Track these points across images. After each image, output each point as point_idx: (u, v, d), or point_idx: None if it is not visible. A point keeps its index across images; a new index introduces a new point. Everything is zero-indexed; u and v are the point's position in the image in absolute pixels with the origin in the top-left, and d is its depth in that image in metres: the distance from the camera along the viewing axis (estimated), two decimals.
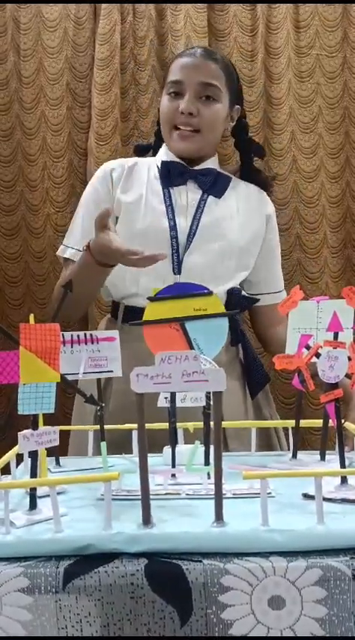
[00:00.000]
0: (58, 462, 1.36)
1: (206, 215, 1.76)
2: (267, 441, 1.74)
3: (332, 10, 2.32)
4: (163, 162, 1.82)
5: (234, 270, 1.78)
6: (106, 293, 1.82)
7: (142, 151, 1.97)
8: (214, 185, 1.81)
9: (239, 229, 1.79)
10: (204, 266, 1.73)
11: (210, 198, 1.79)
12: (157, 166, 1.83)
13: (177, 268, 1.71)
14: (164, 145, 1.86)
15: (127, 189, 1.80)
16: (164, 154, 1.85)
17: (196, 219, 1.75)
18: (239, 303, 1.75)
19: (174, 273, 1.71)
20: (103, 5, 2.23)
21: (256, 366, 1.80)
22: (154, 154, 1.92)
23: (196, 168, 1.81)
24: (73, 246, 1.80)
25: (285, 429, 1.52)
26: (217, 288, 1.67)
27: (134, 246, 1.53)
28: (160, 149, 1.87)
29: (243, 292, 1.82)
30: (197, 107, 1.75)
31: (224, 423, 1.52)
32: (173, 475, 1.18)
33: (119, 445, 1.38)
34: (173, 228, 1.73)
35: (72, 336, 1.31)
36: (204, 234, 1.75)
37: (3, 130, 2.27)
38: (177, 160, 1.81)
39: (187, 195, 1.79)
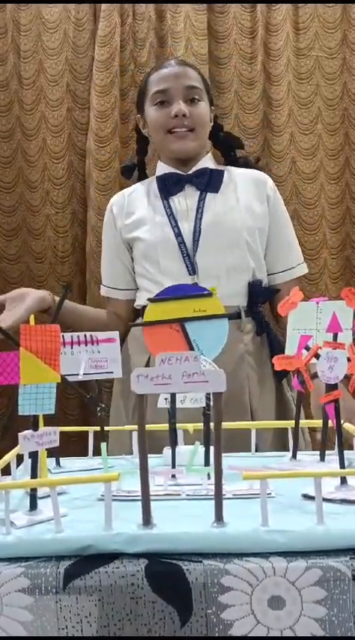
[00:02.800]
0: (58, 463, 1.36)
1: (207, 213, 1.84)
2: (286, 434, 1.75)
3: (332, 12, 2.32)
4: (158, 178, 1.93)
5: (246, 260, 1.84)
6: (138, 299, 1.94)
7: (129, 170, 2.10)
8: (210, 182, 1.89)
9: (242, 218, 1.86)
10: (217, 261, 1.81)
11: (209, 196, 1.87)
12: (156, 181, 1.93)
13: (192, 269, 1.81)
14: (159, 162, 1.97)
15: (132, 212, 1.93)
16: (161, 168, 1.96)
17: (198, 220, 1.84)
18: (261, 294, 1.86)
19: (190, 274, 1.80)
20: (103, 7, 2.24)
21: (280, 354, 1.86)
22: (140, 175, 2.08)
23: (190, 172, 1.91)
24: (103, 283, 2.01)
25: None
26: (237, 281, 1.82)
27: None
28: (157, 166, 1.97)
29: (264, 282, 1.89)
30: (187, 109, 1.86)
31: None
32: (173, 476, 1.18)
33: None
34: (178, 234, 1.83)
35: (72, 337, 1.31)
36: (209, 232, 1.82)
37: (3, 132, 2.28)
38: (172, 170, 1.92)
39: (186, 199, 1.87)
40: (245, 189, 1.91)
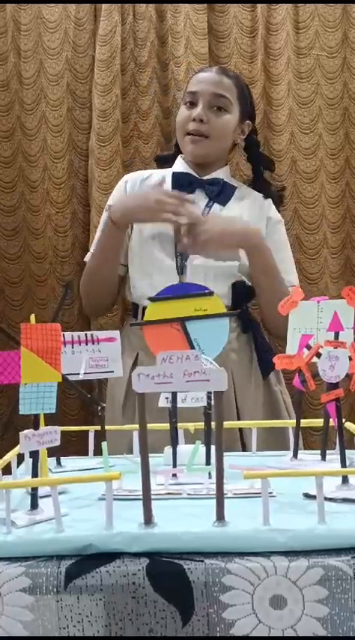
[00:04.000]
0: (59, 463, 1.36)
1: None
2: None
3: (332, 11, 2.32)
4: (175, 174, 1.94)
5: (236, 270, 1.85)
6: (126, 290, 1.93)
7: (162, 161, 2.10)
8: (220, 194, 1.92)
9: None
10: (207, 268, 1.80)
11: (215, 206, 1.90)
12: (171, 175, 1.94)
13: (181, 269, 1.82)
14: (179, 156, 1.98)
15: None
16: (178, 165, 1.97)
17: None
18: (244, 294, 1.88)
19: (179, 274, 1.81)
20: (104, 6, 2.24)
21: (266, 350, 1.89)
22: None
23: (205, 178, 1.92)
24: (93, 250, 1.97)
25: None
26: (223, 285, 1.83)
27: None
28: (176, 160, 1.98)
29: (247, 282, 1.89)
30: (207, 115, 1.87)
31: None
32: (174, 475, 1.18)
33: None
34: (178, 231, 1.79)
35: (72, 336, 1.31)
36: None
37: (3, 131, 2.28)
38: (188, 171, 1.93)
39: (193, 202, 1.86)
40: (250, 210, 1.93)
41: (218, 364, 1.71)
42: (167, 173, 1.98)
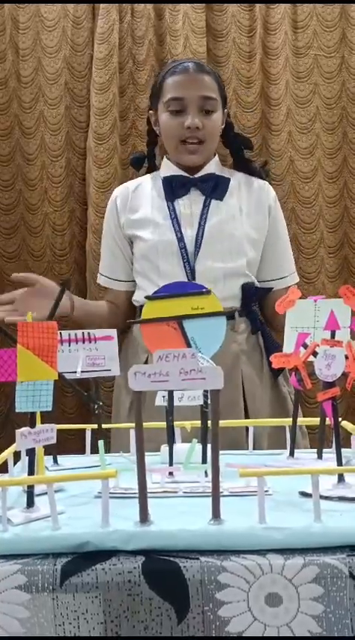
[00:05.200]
0: (55, 461, 1.36)
1: (210, 220, 1.86)
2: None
3: (330, 11, 2.32)
4: (165, 179, 1.93)
5: (245, 267, 1.87)
6: (135, 294, 1.94)
7: (138, 162, 2.09)
8: (215, 189, 1.90)
9: (243, 227, 1.89)
10: (216, 268, 1.83)
11: (213, 202, 1.89)
12: (161, 180, 1.93)
13: (191, 275, 1.82)
14: (165, 159, 1.97)
15: (135, 209, 1.93)
16: (166, 168, 1.96)
17: (201, 226, 1.86)
18: (254, 294, 1.89)
19: (189, 279, 1.81)
20: (102, 5, 2.24)
21: (277, 350, 1.82)
22: (150, 166, 2.07)
23: (197, 175, 1.91)
24: (102, 272, 2.02)
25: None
26: (232, 286, 1.85)
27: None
28: (162, 163, 1.98)
29: (256, 284, 1.91)
30: (201, 121, 1.86)
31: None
32: (170, 473, 1.18)
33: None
34: (180, 239, 1.84)
35: (69, 334, 1.31)
36: (211, 239, 1.85)
37: (2, 130, 2.28)
38: (179, 172, 1.92)
39: (191, 204, 1.89)
40: (248, 198, 1.94)
41: (229, 366, 1.75)
42: (155, 177, 1.98)
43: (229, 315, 1.67)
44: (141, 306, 1.84)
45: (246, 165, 2.05)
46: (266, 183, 2.01)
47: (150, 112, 2.01)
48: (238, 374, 1.82)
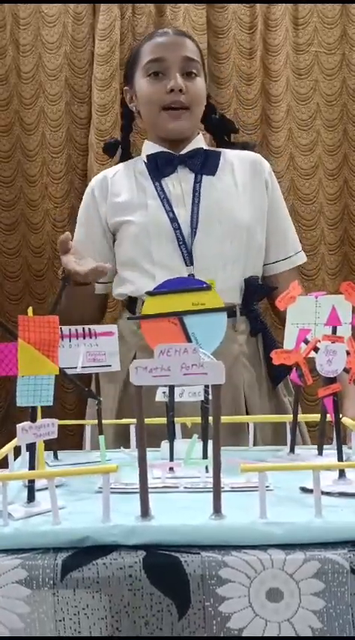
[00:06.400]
0: (56, 456, 1.36)
1: (205, 199, 1.71)
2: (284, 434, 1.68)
3: (331, 7, 2.32)
4: (149, 156, 1.78)
5: (245, 253, 1.72)
6: (119, 288, 1.77)
7: (112, 148, 1.93)
8: (205, 164, 1.75)
9: (241, 206, 1.74)
10: (214, 251, 1.68)
11: (205, 179, 1.73)
12: (144, 161, 1.79)
13: (189, 259, 1.66)
14: (145, 141, 1.84)
15: (116, 194, 1.77)
16: (149, 148, 1.81)
17: (195, 205, 1.70)
18: (257, 291, 1.73)
19: (187, 265, 1.66)
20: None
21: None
22: (123, 154, 1.92)
23: (183, 152, 1.76)
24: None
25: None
26: (233, 276, 1.69)
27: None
28: (143, 146, 1.84)
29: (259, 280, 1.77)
30: (184, 84, 1.71)
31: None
32: (171, 469, 1.18)
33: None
34: (173, 220, 1.68)
35: (70, 330, 1.31)
36: (207, 219, 1.69)
37: (2, 126, 2.28)
38: (163, 149, 1.77)
39: (180, 182, 1.74)
40: (242, 172, 1.78)
41: (229, 367, 1.59)
42: (133, 162, 1.83)
43: (230, 312, 1.60)
44: (129, 300, 1.75)
45: (237, 147, 1.88)
46: (259, 155, 1.85)
47: (126, 88, 1.85)
48: (239, 375, 1.68)
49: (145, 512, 0.94)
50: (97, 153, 2.20)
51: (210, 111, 1.88)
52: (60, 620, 0.88)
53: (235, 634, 0.87)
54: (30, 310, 1.07)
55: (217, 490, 0.94)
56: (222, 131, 1.92)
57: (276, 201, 1.82)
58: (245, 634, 0.87)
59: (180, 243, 1.67)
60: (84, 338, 1.31)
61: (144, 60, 1.74)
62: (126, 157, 1.92)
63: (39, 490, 1.04)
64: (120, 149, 1.94)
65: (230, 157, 1.81)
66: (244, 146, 1.89)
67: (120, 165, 1.87)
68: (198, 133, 1.82)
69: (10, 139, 2.28)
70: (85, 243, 1.77)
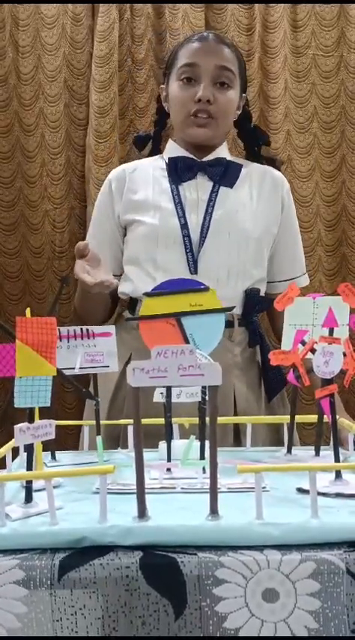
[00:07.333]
0: (53, 457, 1.36)
1: (218, 208, 1.71)
2: (278, 438, 1.64)
3: (329, 10, 2.32)
4: (171, 159, 1.79)
5: (250, 266, 1.73)
6: (122, 285, 1.77)
7: (142, 141, 1.98)
8: (225, 175, 1.76)
9: (252, 219, 1.74)
10: (220, 263, 1.68)
11: (222, 190, 1.74)
12: (165, 162, 1.81)
13: (194, 267, 1.67)
14: (170, 140, 1.86)
15: (135, 191, 1.78)
16: (172, 149, 1.82)
17: (208, 214, 1.70)
18: (257, 304, 1.73)
19: (191, 272, 1.66)
20: (101, 3, 2.24)
21: (274, 370, 1.69)
22: (153, 149, 1.96)
23: (205, 159, 1.78)
24: None
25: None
26: (235, 288, 1.70)
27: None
28: (167, 145, 1.86)
29: (261, 293, 1.77)
30: (213, 94, 1.72)
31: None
32: (168, 469, 1.18)
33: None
34: (184, 226, 1.69)
35: (68, 330, 1.31)
36: (218, 229, 1.70)
37: (2, 127, 2.28)
38: (186, 154, 1.78)
39: (197, 189, 1.74)
40: (260, 187, 1.80)
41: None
42: (154, 162, 1.84)
43: (227, 319, 1.57)
44: (130, 300, 1.76)
45: (262, 161, 1.91)
46: (281, 174, 1.87)
47: (162, 87, 1.89)
48: (229, 388, 1.66)
49: (142, 512, 0.94)
50: (95, 155, 2.20)
51: (246, 119, 1.91)
52: (57, 620, 0.88)
53: (231, 634, 0.87)
54: (28, 311, 1.07)
55: (214, 491, 0.95)
56: (254, 141, 1.96)
57: (290, 220, 1.84)
58: (241, 634, 0.87)
59: (187, 250, 1.67)
60: (82, 339, 1.31)
61: (179, 63, 1.76)
62: (155, 152, 1.95)
63: (37, 491, 1.04)
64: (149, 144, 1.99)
65: (251, 170, 1.83)
66: (270, 162, 1.91)
67: (142, 161, 1.88)
68: (224, 142, 1.84)
69: (9, 140, 2.28)
70: (98, 234, 1.81)
